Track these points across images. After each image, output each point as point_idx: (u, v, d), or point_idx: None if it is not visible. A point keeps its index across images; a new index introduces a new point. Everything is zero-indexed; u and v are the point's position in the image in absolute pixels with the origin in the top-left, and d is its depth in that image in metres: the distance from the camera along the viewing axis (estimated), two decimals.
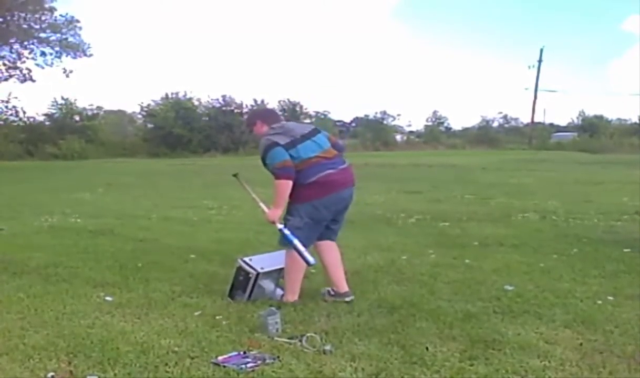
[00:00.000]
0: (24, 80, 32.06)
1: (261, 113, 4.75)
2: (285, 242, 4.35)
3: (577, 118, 51.65)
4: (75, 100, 38.11)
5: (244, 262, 4.50)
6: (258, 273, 4.42)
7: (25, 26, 30.33)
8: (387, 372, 3.19)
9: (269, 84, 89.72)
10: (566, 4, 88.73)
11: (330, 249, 4.56)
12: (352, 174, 4.50)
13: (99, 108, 39.34)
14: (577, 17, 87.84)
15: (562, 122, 55.10)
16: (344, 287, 4.48)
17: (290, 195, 4.29)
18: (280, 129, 4.39)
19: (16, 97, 35.95)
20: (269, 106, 40.77)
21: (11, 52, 31.46)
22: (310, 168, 4.25)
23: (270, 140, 4.29)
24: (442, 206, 10.58)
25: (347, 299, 4.42)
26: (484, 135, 47.60)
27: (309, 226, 4.32)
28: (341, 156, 4.49)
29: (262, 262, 4.56)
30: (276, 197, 4.30)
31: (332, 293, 4.48)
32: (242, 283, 4.45)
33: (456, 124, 53.58)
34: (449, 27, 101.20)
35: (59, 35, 31.06)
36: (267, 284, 4.54)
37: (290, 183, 4.21)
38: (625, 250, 6.30)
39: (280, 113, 5.04)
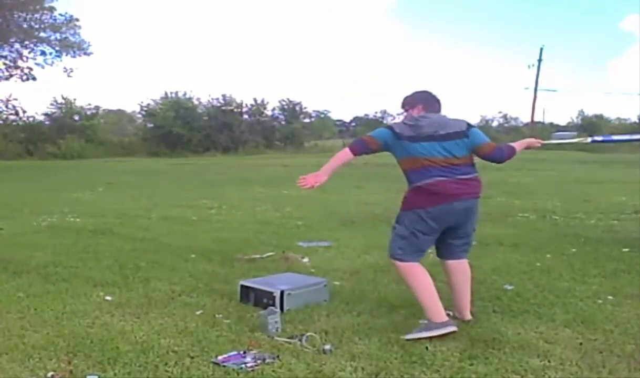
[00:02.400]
0: (25, 79, 32.09)
1: (425, 98, 3.99)
2: (389, 254, 3.89)
3: (577, 117, 51.75)
4: (75, 99, 38.22)
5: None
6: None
7: (25, 26, 30.34)
8: (386, 372, 3.19)
9: (269, 83, 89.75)
10: (566, 3, 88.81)
11: (457, 269, 4.00)
12: (474, 186, 3.85)
13: (96, 107, 39.41)
14: (577, 16, 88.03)
15: (562, 122, 55.13)
16: (467, 316, 3.98)
17: (402, 200, 3.89)
18: (418, 120, 3.84)
19: (16, 99, 35.98)
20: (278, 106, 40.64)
21: (11, 51, 31.48)
22: (417, 171, 3.76)
23: (396, 124, 3.92)
24: None
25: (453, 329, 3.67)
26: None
27: (415, 237, 3.78)
28: (472, 165, 3.90)
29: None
30: (332, 160, 3.98)
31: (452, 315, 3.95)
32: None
33: None
34: (448, 27, 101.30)
35: (58, 34, 31.08)
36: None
37: (348, 154, 3.89)
38: (625, 249, 6.29)
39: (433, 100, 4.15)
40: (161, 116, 37.53)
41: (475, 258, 5.96)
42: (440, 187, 3.72)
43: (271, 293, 4.22)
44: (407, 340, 3.60)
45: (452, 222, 3.82)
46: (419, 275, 3.79)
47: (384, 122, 46.32)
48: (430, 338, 3.56)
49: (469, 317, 3.99)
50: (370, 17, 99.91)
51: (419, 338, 3.57)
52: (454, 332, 3.64)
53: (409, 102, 4.04)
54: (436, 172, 3.73)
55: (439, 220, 3.78)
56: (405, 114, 4.04)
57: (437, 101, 4.00)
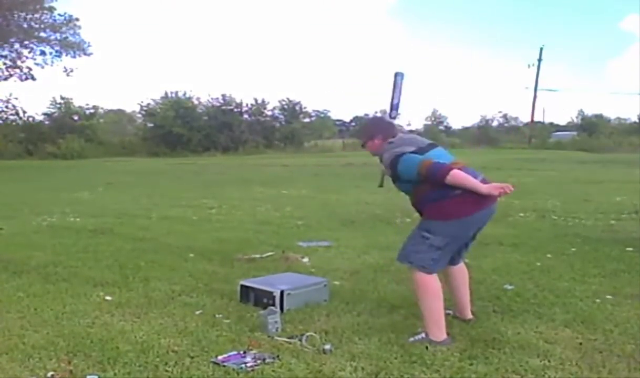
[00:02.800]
0: (24, 79, 32.09)
1: (382, 127, 3.94)
2: (410, 261, 3.70)
3: (577, 117, 51.72)
4: (73, 99, 38.23)
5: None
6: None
7: (25, 25, 30.35)
8: (386, 371, 3.19)
9: (269, 83, 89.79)
10: (566, 2, 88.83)
11: (458, 273, 3.99)
12: None
13: (95, 107, 39.40)
14: (576, 16, 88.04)
15: (562, 121, 55.19)
16: (468, 315, 4.00)
17: (430, 210, 3.65)
18: (400, 141, 3.76)
19: (16, 98, 36.00)
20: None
21: (11, 51, 31.48)
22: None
23: (395, 152, 3.66)
24: None
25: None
26: (484, 135, 47.58)
27: (449, 247, 3.68)
28: None
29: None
30: (464, 184, 3.49)
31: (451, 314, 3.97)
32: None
33: (456, 123, 53.73)
34: (448, 26, 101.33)
35: (58, 34, 31.08)
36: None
37: (457, 171, 3.50)
38: (625, 249, 6.30)
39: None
40: (161, 116, 37.51)
41: (475, 258, 5.97)
42: (466, 201, 3.57)
43: (271, 293, 4.22)
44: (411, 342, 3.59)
45: (483, 226, 3.78)
46: (437, 292, 3.65)
47: None
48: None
49: (469, 316, 4.01)
50: (370, 17, 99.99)
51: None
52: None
53: (365, 135, 3.99)
54: (472, 173, 3.61)
55: (475, 225, 3.72)
56: (363, 146, 4.03)
57: (393, 126, 4.00)
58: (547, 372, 3.19)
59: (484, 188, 3.51)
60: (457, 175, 3.49)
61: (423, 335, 3.63)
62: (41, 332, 3.79)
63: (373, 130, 3.97)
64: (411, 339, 3.61)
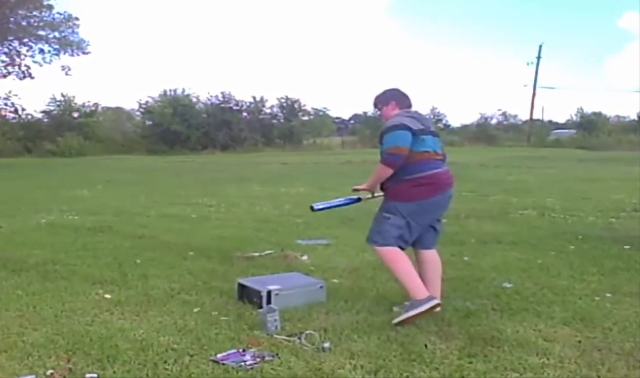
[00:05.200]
0: (23, 77, 32.04)
1: (397, 95, 4.19)
2: (375, 240, 4.05)
3: (576, 115, 51.64)
4: (74, 97, 38.17)
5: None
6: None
7: (24, 23, 30.29)
8: (386, 369, 3.19)
9: (268, 80, 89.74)
10: (564, 0, 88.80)
11: (430, 259, 4.20)
12: (452, 177, 4.17)
13: (95, 104, 39.37)
14: (575, 14, 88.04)
15: (561, 119, 55.09)
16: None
17: (390, 192, 4.04)
18: (416, 113, 4.10)
19: (16, 95, 35.94)
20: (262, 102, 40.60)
21: (9, 49, 31.43)
22: (420, 162, 3.94)
23: (400, 121, 3.95)
24: None
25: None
26: (483, 132, 47.54)
27: (409, 227, 3.98)
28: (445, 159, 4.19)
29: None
30: (373, 178, 4.09)
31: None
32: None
33: (454, 121, 53.42)
34: (446, 24, 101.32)
35: (57, 33, 31.03)
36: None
37: (389, 171, 3.92)
38: (624, 247, 6.31)
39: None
40: (158, 113, 37.46)
41: (474, 256, 5.99)
42: (437, 178, 4.00)
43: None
44: (397, 323, 3.78)
45: (440, 212, 4.17)
46: (401, 258, 3.99)
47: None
48: (419, 315, 3.78)
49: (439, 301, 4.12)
50: (368, 16, 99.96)
51: (408, 319, 3.78)
52: (438, 305, 3.89)
53: (381, 101, 4.26)
54: (435, 164, 4.01)
55: (433, 210, 4.08)
56: (378, 112, 4.30)
57: (408, 97, 4.25)
58: (546, 370, 3.19)
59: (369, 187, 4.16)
60: (380, 171, 3.97)
61: (408, 302, 3.90)
62: (40, 330, 3.79)
63: (389, 97, 4.23)
64: (397, 319, 3.83)
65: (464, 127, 51.37)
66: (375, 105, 4.30)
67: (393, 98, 4.19)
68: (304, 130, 42.35)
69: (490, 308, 4.25)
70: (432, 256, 4.22)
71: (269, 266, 5.54)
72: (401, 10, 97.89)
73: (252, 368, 3.17)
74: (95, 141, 35.98)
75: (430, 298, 3.85)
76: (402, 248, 4.02)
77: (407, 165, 3.91)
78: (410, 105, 4.20)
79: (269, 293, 4.18)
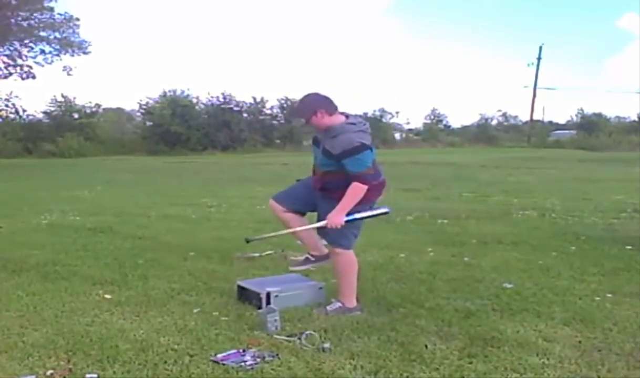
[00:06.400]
0: (25, 78, 32.06)
1: (321, 101, 3.99)
2: (335, 241, 4.15)
3: (576, 116, 51.70)
4: (75, 97, 38.20)
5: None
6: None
7: (25, 24, 30.32)
8: (386, 370, 3.19)
9: (268, 81, 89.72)
10: (564, 1, 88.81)
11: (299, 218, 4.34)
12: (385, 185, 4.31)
13: (97, 105, 39.41)
14: (575, 14, 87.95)
15: (561, 120, 55.10)
16: (323, 249, 4.39)
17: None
18: (362, 125, 4.02)
19: (17, 96, 35.98)
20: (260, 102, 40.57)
21: (10, 49, 31.45)
22: (376, 172, 4.07)
23: (360, 141, 3.89)
24: (441, 204, 10.59)
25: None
26: (483, 133, 47.58)
27: (360, 226, 4.20)
28: None
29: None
30: (349, 199, 3.95)
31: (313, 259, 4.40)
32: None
33: (455, 122, 53.48)
34: (446, 25, 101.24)
35: (58, 33, 31.05)
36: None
37: (364, 189, 3.95)
38: (624, 247, 6.31)
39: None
40: (158, 114, 37.46)
41: (474, 256, 5.99)
42: (383, 182, 4.19)
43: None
44: (328, 312, 4.07)
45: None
46: (356, 265, 4.28)
47: (383, 120, 46.12)
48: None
49: (325, 250, 4.33)
50: (367, 16, 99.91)
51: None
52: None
53: (306, 111, 4.02)
54: (379, 173, 4.13)
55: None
56: (304, 124, 4.08)
57: (332, 100, 4.04)
58: (546, 370, 3.19)
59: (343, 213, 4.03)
60: (358, 191, 3.94)
61: (339, 304, 4.16)
62: (40, 330, 3.79)
63: (314, 105, 3.99)
64: (329, 308, 4.12)
65: (464, 128, 51.42)
66: (301, 117, 4.10)
67: (319, 106, 3.96)
68: (304, 131, 42.27)
69: (490, 308, 4.25)
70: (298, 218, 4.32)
71: (270, 267, 5.54)
72: (400, 10, 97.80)
73: (252, 369, 3.18)
74: (96, 142, 36.00)
75: (357, 308, 4.16)
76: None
77: (370, 176, 3.98)
78: (337, 108, 4.02)
79: (268, 295, 4.19)
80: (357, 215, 4.05)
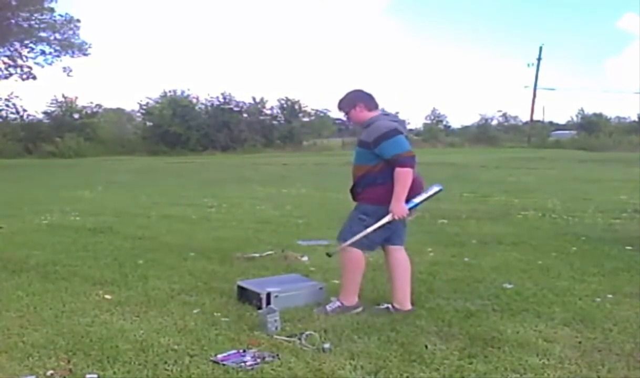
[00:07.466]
0: (25, 78, 32.08)
1: (362, 96, 4.15)
2: (345, 237, 4.17)
3: (576, 116, 51.61)
4: (76, 98, 38.19)
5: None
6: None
7: (25, 25, 30.33)
8: (386, 370, 3.19)
9: (268, 82, 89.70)
10: (564, 1, 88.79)
11: (399, 252, 4.26)
12: (422, 182, 4.21)
13: (98, 106, 39.42)
14: (575, 14, 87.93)
15: (561, 120, 54.99)
16: (407, 305, 4.19)
17: (367, 194, 4.08)
18: (395, 117, 4.25)
19: (17, 96, 36.00)
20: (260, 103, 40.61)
21: (11, 50, 31.46)
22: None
23: (391, 126, 3.99)
24: (441, 204, 10.56)
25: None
26: (483, 134, 47.51)
27: (382, 229, 4.07)
28: None
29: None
30: (399, 187, 3.90)
31: (393, 309, 4.16)
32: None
33: (455, 122, 53.36)
34: (445, 25, 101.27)
35: (58, 34, 31.07)
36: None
37: (411, 173, 3.94)
38: (625, 248, 6.30)
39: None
40: (157, 114, 37.46)
41: (475, 256, 5.99)
42: (417, 181, 4.07)
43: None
44: (328, 312, 4.05)
45: (411, 215, 4.17)
46: (361, 267, 4.24)
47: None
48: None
49: (409, 306, 4.19)
50: (367, 16, 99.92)
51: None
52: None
53: (347, 104, 4.21)
54: (413, 173, 4.00)
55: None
56: (345, 116, 4.28)
57: (373, 98, 4.21)
58: (546, 371, 3.19)
59: (401, 202, 3.96)
60: (406, 176, 3.91)
61: (338, 303, 4.14)
62: (41, 330, 3.79)
63: (355, 100, 4.18)
64: (329, 307, 4.11)
65: (465, 128, 51.34)
66: (342, 109, 4.24)
67: (360, 100, 4.16)
68: (304, 131, 42.34)
69: (490, 309, 4.25)
70: (398, 251, 4.25)
71: (270, 267, 5.54)
72: (400, 10, 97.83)
73: (252, 369, 3.18)
74: (96, 142, 35.99)
75: (357, 305, 4.16)
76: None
77: (387, 170, 3.97)
78: (377, 106, 4.19)
79: (268, 295, 4.18)
80: (416, 200, 4.04)
